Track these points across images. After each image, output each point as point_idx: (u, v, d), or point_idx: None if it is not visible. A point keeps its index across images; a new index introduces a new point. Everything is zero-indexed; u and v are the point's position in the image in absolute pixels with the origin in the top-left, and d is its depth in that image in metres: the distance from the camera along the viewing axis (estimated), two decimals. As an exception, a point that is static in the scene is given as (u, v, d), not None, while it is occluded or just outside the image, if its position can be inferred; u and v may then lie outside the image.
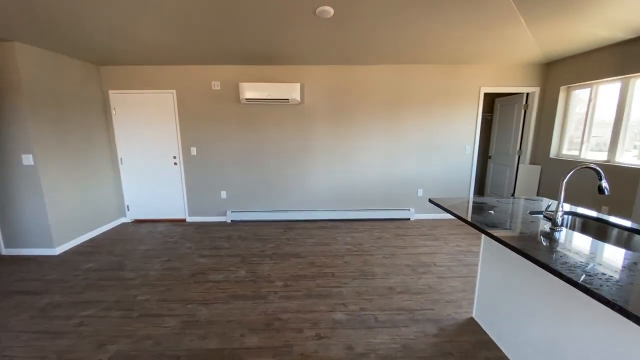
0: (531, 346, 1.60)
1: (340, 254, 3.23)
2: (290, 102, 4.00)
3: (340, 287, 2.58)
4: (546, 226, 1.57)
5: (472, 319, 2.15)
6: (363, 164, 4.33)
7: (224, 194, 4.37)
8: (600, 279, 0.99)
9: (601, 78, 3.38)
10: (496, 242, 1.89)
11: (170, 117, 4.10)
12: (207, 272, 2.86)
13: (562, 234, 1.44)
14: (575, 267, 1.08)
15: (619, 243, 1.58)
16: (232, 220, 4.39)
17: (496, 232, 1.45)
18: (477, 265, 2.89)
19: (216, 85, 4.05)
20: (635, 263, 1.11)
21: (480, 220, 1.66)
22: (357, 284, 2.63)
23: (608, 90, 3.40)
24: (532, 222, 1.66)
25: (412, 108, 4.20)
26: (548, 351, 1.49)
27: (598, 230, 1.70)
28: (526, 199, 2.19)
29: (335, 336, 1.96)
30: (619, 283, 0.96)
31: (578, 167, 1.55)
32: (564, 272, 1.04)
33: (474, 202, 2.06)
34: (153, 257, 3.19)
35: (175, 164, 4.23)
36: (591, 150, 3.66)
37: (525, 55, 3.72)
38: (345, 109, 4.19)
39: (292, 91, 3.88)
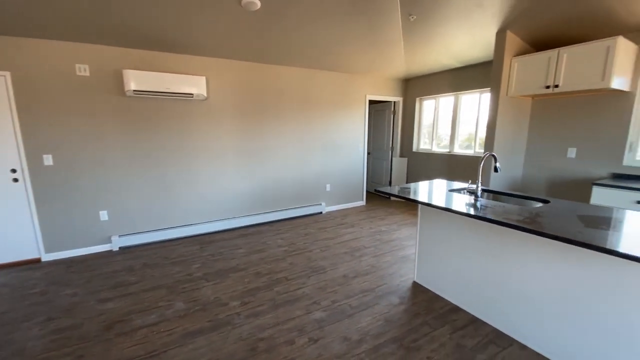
0: (465, 288, 2.17)
1: (281, 257, 3.15)
2: (195, 98, 3.48)
3: (300, 287, 2.55)
4: (470, 197, 2.17)
5: (415, 282, 2.64)
6: (276, 164, 4.31)
7: (103, 215, 3.30)
8: (512, 219, 1.53)
9: (442, 93, 4.78)
10: (431, 215, 2.42)
11: (1, 111, 2.71)
12: (129, 318, 2.15)
13: (482, 201, 2.05)
14: (497, 215, 1.60)
15: (513, 203, 2.38)
16: (120, 248, 3.38)
17: (439, 205, 1.90)
18: (393, 240, 3.52)
19: (83, 70, 2.99)
20: (530, 212, 1.76)
21: (419, 199, 2.10)
22: (314, 280, 2.67)
23: (447, 102, 4.84)
24: (456, 195, 2.24)
25: (318, 110, 4.53)
26: (478, 287, 2.08)
27: (495, 197, 2.45)
28: (437, 182, 2.87)
29: (327, 334, 1.97)
30: (523, 219, 1.52)
31: (487, 154, 2.20)
32: (495, 218, 1.53)
33: (404, 188, 2.53)
34: (19, 322, 2.07)
35: (16, 180, 2.83)
36: (437, 145, 5.10)
37: (396, 72, 4.75)
38: (258, 108, 4.03)
39: (197, 85, 3.39)
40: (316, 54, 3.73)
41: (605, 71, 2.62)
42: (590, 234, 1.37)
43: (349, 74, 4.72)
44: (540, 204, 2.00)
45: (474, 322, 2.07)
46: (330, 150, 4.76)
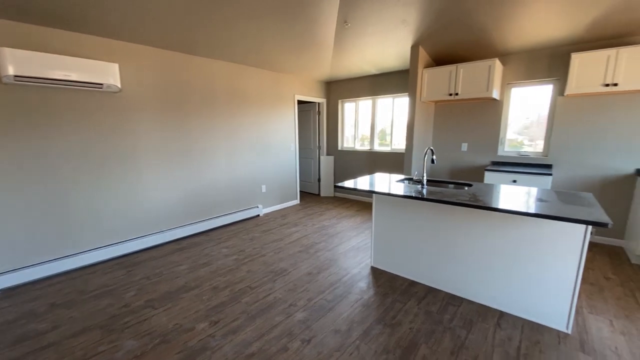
0: (417, 264, 2.54)
1: (234, 267, 2.91)
2: (105, 90, 2.83)
3: (270, 293, 2.44)
4: (417, 185, 2.54)
5: (373, 267, 2.90)
6: (207, 167, 3.91)
7: (-35, 250, 2.32)
8: (461, 199, 1.95)
9: (361, 96, 5.29)
10: (384, 204, 2.70)
11: None
12: (61, 377, 1.62)
13: (427, 188, 2.44)
14: (447, 197, 2.00)
15: (454, 188, 2.86)
16: (1, 290, 2.45)
17: (391, 191, 2.21)
18: (339, 233, 3.73)
19: None
20: (466, 193, 2.22)
21: (374, 190, 2.38)
22: (280, 284, 2.59)
23: (365, 104, 5.38)
24: (404, 185, 2.59)
25: (250, 108, 4.33)
26: (428, 261, 2.47)
27: (436, 184, 2.90)
28: (378, 175, 3.20)
29: (316, 332, 1.97)
30: (468, 198, 1.96)
31: (428, 148, 2.61)
32: (441, 199, 1.92)
33: (356, 182, 2.76)
34: None
35: None
36: (359, 144, 5.63)
37: (321, 74, 5.00)
38: (185, 105, 3.56)
39: (108, 74, 2.77)
40: (248, 50, 3.57)
41: (488, 84, 3.47)
42: (508, 205, 1.85)
43: (280, 74, 4.70)
44: (467, 187, 2.52)
45: (431, 291, 2.44)
46: (263, 150, 4.63)
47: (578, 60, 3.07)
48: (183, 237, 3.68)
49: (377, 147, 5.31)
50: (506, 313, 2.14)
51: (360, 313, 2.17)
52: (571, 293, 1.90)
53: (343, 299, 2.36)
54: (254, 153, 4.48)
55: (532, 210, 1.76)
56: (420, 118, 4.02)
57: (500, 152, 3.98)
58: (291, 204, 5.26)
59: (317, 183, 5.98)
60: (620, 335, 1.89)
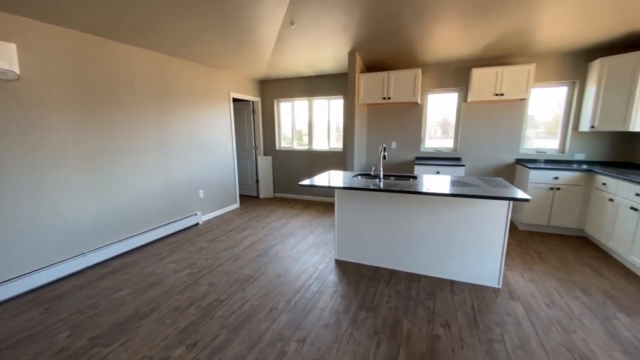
0: (378, 250, 2.81)
1: (191, 282, 2.61)
2: (-6, 76, 2.14)
3: (244, 302, 2.30)
4: (375, 180, 2.80)
5: (337, 260, 3.03)
6: (136, 173, 3.35)
7: None
8: (406, 188, 2.32)
9: (297, 97, 5.37)
10: (345, 200, 2.87)
11: None
12: None
13: (385, 181, 2.74)
14: (405, 187, 2.34)
15: (403, 180, 3.19)
16: None
17: (356, 185, 2.44)
18: (292, 233, 3.76)
19: None
20: (416, 183, 2.60)
21: (336, 185, 2.57)
22: (252, 291, 2.47)
23: (302, 105, 5.48)
24: (363, 180, 2.83)
25: (181, 106, 3.88)
26: (387, 246, 2.76)
27: (386, 177, 3.19)
28: (333, 172, 3.36)
29: (308, 330, 1.98)
30: (413, 187, 2.34)
31: (383, 145, 2.88)
32: (399, 189, 2.26)
33: (315, 180, 2.86)
34: None
35: None
36: (297, 143, 5.70)
37: (256, 72, 4.87)
38: (104, 99, 2.96)
39: (1, 55, 2.10)
40: (180, 40, 3.24)
41: (414, 90, 4.04)
42: (451, 190, 2.26)
43: (214, 69, 4.36)
44: (412, 179, 2.91)
45: (394, 273, 2.73)
46: (199, 151, 4.22)
47: (477, 74, 3.87)
48: (111, 258, 3.06)
49: (316, 147, 5.49)
50: (456, 281, 2.57)
51: (341, 304, 2.27)
52: (500, 257, 2.43)
53: (321, 294, 2.41)
54: (188, 155, 4.05)
55: (469, 193, 2.18)
56: (357, 119, 4.36)
57: (422, 149, 4.67)
58: (231, 209, 4.96)
59: (256, 185, 5.79)
60: (530, 283, 2.52)
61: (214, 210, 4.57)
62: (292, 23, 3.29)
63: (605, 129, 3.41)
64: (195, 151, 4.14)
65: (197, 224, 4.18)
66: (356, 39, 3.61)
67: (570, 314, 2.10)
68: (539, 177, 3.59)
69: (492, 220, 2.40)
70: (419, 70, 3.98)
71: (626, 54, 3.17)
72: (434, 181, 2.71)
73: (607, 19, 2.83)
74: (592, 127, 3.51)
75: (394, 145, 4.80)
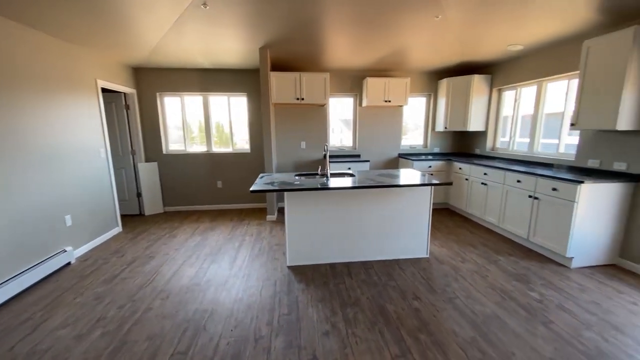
0: (330, 247, 2.90)
1: (117, 344, 1.85)
2: None
3: (216, 344, 1.85)
4: (322, 178, 2.87)
5: (290, 266, 2.87)
6: (-48, 201, 2.01)
7: None
8: (365, 184, 2.64)
9: (189, 91, 4.60)
10: (296, 203, 2.78)
11: None
12: None
13: (331, 179, 2.86)
14: (355, 183, 2.62)
15: (344, 177, 3.28)
16: None
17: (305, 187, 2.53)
18: (221, 249, 3.33)
19: None
20: (359, 179, 2.88)
21: (288, 187, 2.56)
22: (217, 327, 2.01)
23: (195, 101, 4.72)
24: (312, 180, 2.85)
25: (27, 96, 2.59)
26: (338, 241, 2.90)
27: (336, 175, 3.24)
28: (276, 173, 3.15)
29: (310, 343, 1.82)
30: (360, 182, 2.67)
31: (326, 144, 2.93)
32: (346, 185, 2.54)
33: (268, 182, 2.65)
34: None
35: None
36: (192, 145, 4.89)
37: (135, 57, 3.83)
38: None
39: None
40: None
41: (325, 92, 4.30)
42: (384, 181, 2.67)
43: (73, 46, 3.10)
44: (352, 176, 3.14)
45: (349, 265, 2.86)
46: (59, 161, 2.94)
47: (371, 82, 4.54)
48: None
49: (217, 149, 4.89)
50: (399, 259, 2.98)
51: (323, 307, 2.20)
52: (427, 233, 3.00)
53: (297, 304, 2.25)
54: (43, 167, 2.76)
55: (400, 183, 2.62)
56: (270, 119, 4.21)
57: (329, 147, 5.03)
58: (113, 234, 3.73)
59: (137, 199, 4.57)
60: (442, 248, 3.25)
61: (90, 241, 3.32)
62: (205, 5, 2.82)
63: (453, 129, 4.77)
64: (53, 161, 2.86)
65: (69, 263, 2.92)
66: (270, 37, 3.46)
67: (477, 264, 2.87)
68: (420, 167, 4.62)
69: (420, 203, 2.93)
70: (328, 75, 4.26)
71: (463, 76, 4.54)
72: (370, 175, 3.03)
73: (450, 52, 3.92)
74: (445, 128, 4.83)
75: (303, 145, 4.93)
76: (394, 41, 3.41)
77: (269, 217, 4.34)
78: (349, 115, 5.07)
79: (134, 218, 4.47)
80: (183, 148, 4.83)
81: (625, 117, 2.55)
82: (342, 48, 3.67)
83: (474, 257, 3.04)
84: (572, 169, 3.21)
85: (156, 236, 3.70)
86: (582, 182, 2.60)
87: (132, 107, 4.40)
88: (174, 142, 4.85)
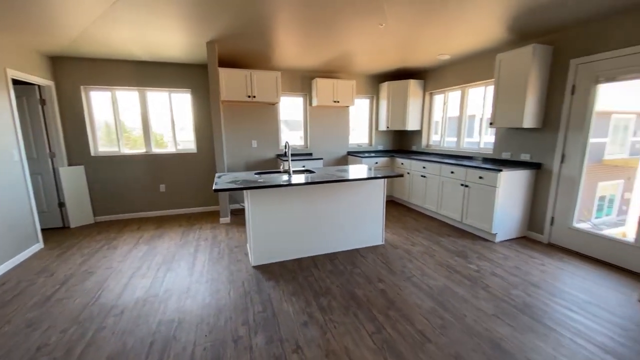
0: (294, 243, 2.96)
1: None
2: None
3: (192, 351, 1.75)
4: (286, 175, 2.91)
5: (255, 266, 2.82)
6: None
7: None
8: (328, 179, 2.81)
9: (121, 85, 4.12)
10: (259, 201, 2.76)
11: None
12: None
13: (295, 175, 2.93)
14: (317, 178, 2.77)
15: (305, 174, 3.31)
16: None
17: (268, 184, 2.61)
18: (174, 258, 3.13)
19: None
20: (319, 176, 3.02)
21: (252, 184, 2.60)
22: (189, 335, 1.89)
23: (130, 96, 4.24)
24: (275, 176, 2.88)
25: None
26: (301, 236, 2.98)
27: (284, 173, 3.25)
28: (236, 172, 3.05)
29: (290, 335, 1.86)
30: (313, 179, 2.86)
31: (285, 144, 2.96)
32: (312, 180, 2.72)
33: (230, 181, 2.60)
34: None
35: None
36: (127, 146, 4.38)
37: (54, 43, 3.29)
38: None
39: None
40: None
41: (277, 91, 4.31)
42: (344, 177, 2.88)
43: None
44: (312, 172, 3.24)
45: (315, 258, 2.95)
46: (-44, 166, 2.37)
47: (320, 83, 4.71)
48: None
49: (158, 149, 4.47)
50: (359, 248, 3.19)
51: (297, 300, 2.25)
52: (382, 223, 3.27)
53: (270, 301, 2.25)
54: None
55: (360, 177, 2.84)
56: (219, 117, 4.05)
57: (280, 147, 5.04)
58: (33, 252, 3.14)
59: (60, 210, 3.90)
60: (394, 235, 3.57)
61: (5, 261, 2.74)
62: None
63: (394, 128, 5.24)
64: (-53, 165, 2.30)
65: (-23, 291, 2.38)
66: (218, 31, 3.33)
67: (424, 246, 3.25)
68: (368, 163, 4.96)
69: (376, 195, 3.19)
70: (279, 73, 4.28)
71: (401, 80, 5.03)
72: (329, 172, 3.17)
73: (390, 59, 4.33)
74: (387, 127, 5.28)
75: (254, 144, 4.84)
76: (342, 45, 3.61)
77: (223, 220, 4.16)
78: (299, 115, 5.16)
79: (57, 232, 3.81)
80: (117, 149, 4.30)
81: (528, 117, 3.18)
82: (293, 48, 3.73)
83: (421, 240, 3.43)
84: (491, 160, 3.86)
85: (91, 249, 3.24)
86: (500, 170, 3.16)
87: (50, 102, 3.75)
88: (105, 142, 4.28)
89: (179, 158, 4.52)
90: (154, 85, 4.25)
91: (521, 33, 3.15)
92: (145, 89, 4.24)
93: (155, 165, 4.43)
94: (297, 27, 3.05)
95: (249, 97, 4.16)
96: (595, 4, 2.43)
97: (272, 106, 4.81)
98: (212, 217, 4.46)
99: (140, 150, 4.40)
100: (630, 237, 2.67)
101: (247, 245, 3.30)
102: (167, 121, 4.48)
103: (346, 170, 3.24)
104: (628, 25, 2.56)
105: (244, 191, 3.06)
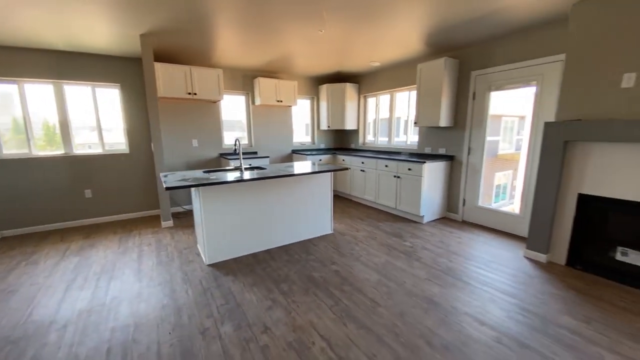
0: (249, 238, 3.04)
1: None
2: None
3: (158, 349, 1.73)
4: (238, 172, 2.98)
5: (210, 265, 2.80)
6: None
7: None
8: (278, 174, 3.02)
9: (34, 77, 3.56)
10: (212, 199, 2.76)
11: None
12: None
13: (247, 172, 3.03)
14: (267, 174, 2.97)
15: (256, 170, 3.34)
16: None
17: (210, 180, 2.74)
18: (115, 268, 2.95)
19: None
20: (270, 172, 3.18)
21: (204, 182, 2.68)
22: (149, 337, 1.85)
23: (43, 90, 3.68)
24: (229, 174, 2.93)
25: None
26: (256, 231, 3.09)
27: (236, 170, 3.26)
28: (183, 171, 2.96)
29: (262, 321, 1.98)
30: (266, 174, 3.07)
31: (235, 141, 3.00)
32: (262, 176, 2.92)
33: (179, 179, 2.56)
34: None
35: None
36: (37, 146, 3.78)
37: (-61, 23, 2.72)
38: None
39: None
40: None
41: (219, 89, 4.25)
42: (296, 172, 3.12)
43: None
44: (263, 168, 3.35)
45: (269, 251, 3.07)
46: None
47: (262, 82, 4.80)
48: None
49: (81, 150, 3.98)
50: (311, 238, 3.41)
51: (258, 290, 2.36)
52: (330, 213, 3.56)
53: (231, 293, 2.31)
54: None
55: (306, 171, 3.10)
56: (159, 115, 3.83)
57: (223, 145, 4.95)
58: None
59: (-53, 225, 3.18)
60: (341, 224, 3.90)
61: None
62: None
63: (334, 127, 5.63)
64: None
65: None
66: (155, 24, 3.18)
67: (367, 231, 3.65)
68: (312, 160, 5.23)
69: (324, 189, 3.46)
70: (221, 71, 4.23)
71: (339, 83, 5.43)
72: (280, 168, 3.33)
73: (329, 63, 4.69)
74: (329, 127, 5.64)
75: (195, 143, 4.66)
76: (283, 47, 3.77)
77: (165, 224, 3.94)
78: (241, 113, 5.15)
79: (-56, 252, 3.11)
80: (27, 151, 3.69)
81: (443, 117, 3.84)
82: (234, 47, 3.74)
83: (364, 226, 3.83)
84: (416, 154, 4.50)
85: (5, 267, 2.77)
86: (424, 162, 3.75)
87: None
88: (13, 144, 3.63)
89: (108, 159, 4.10)
90: (73, 78, 3.77)
91: (436, 47, 3.79)
92: (62, 82, 3.74)
93: (78, 169, 3.94)
94: (239, 27, 3.11)
95: (190, 94, 4.03)
96: (485, 30, 3.12)
97: (213, 104, 4.71)
98: (152, 221, 4.17)
99: (58, 151, 3.86)
100: (517, 211, 3.49)
101: (198, 245, 3.24)
102: (92, 119, 4.02)
103: (295, 166, 3.43)
104: (507, 48, 3.33)
105: (193, 191, 3.00)
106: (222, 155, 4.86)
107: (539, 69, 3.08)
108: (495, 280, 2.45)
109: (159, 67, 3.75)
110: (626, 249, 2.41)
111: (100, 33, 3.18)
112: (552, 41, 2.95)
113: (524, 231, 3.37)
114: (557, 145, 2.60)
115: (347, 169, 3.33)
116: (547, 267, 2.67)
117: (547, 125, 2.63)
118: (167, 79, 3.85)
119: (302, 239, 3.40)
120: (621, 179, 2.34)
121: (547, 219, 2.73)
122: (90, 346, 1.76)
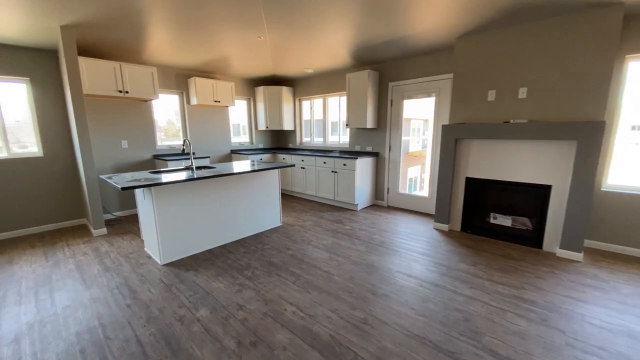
0: (204, 235, 3.15)
1: None
2: None
3: (135, 341, 1.82)
4: (189, 171, 3.07)
5: (166, 264, 2.82)
6: None
7: None
8: (225, 173, 3.28)
9: None
10: (164, 199, 2.80)
11: None
12: None
13: (198, 171, 3.14)
14: (215, 172, 3.20)
15: (206, 169, 3.36)
16: None
17: (172, 179, 2.90)
18: (60, 279, 2.77)
19: None
20: (220, 170, 3.37)
21: (152, 182, 2.80)
22: (120, 332, 1.90)
23: None
24: (180, 174, 3.00)
25: None
26: (210, 228, 3.22)
27: (188, 169, 3.27)
28: (125, 173, 2.87)
29: (229, 303, 2.20)
30: (220, 172, 3.33)
31: (185, 139, 3.06)
32: (217, 174, 3.18)
33: (129, 181, 2.56)
34: None
35: None
36: None
37: None
38: None
39: None
40: None
41: (154, 87, 4.10)
42: (246, 170, 3.41)
43: None
44: (213, 167, 3.45)
45: (225, 246, 3.22)
46: None
47: (198, 82, 4.78)
48: None
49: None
50: (264, 231, 3.67)
51: (223, 279, 2.55)
52: (279, 207, 3.87)
53: (197, 285, 2.45)
54: None
55: (255, 169, 3.41)
56: (86, 114, 3.52)
57: (157, 147, 4.73)
58: None
59: None
60: (291, 217, 4.25)
61: None
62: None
63: (273, 128, 5.91)
64: None
65: None
66: (78, 15, 2.97)
67: (313, 220, 4.09)
68: (253, 159, 5.42)
69: (272, 184, 3.76)
70: (155, 69, 4.08)
71: (275, 86, 5.73)
72: (229, 167, 3.49)
73: (266, 67, 4.98)
74: (267, 127, 5.89)
75: (124, 144, 4.35)
76: (221, 50, 3.88)
77: (98, 232, 3.63)
78: (175, 113, 5.00)
79: None
80: None
81: (369, 120, 4.55)
82: (167, 45, 3.65)
83: (309, 217, 4.26)
84: (348, 152, 5.15)
85: None
86: (357, 158, 4.39)
87: None
88: None
89: (14, 165, 3.54)
90: (-39, 68, 3.17)
91: (361, 60, 4.46)
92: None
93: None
94: (175, 28, 3.10)
95: (121, 92, 3.79)
96: (399, 50, 3.89)
97: (144, 103, 4.47)
98: (78, 231, 3.77)
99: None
100: (427, 194, 4.42)
101: (146, 249, 3.16)
102: (-12, 117, 3.41)
103: (245, 165, 3.63)
104: (416, 65, 4.20)
105: (141, 192, 2.94)
106: (156, 156, 4.65)
107: (437, 84, 4.01)
108: (415, 247, 3.18)
109: (83, 61, 3.45)
110: (496, 214, 3.42)
111: (9, 22, 2.81)
112: (446, 63, 3.89)
113: (432, 209, 4.31)
114: (450, 142, 3.48)
115: (293, 165, 3.69)
116: (449, 234, 3.56)
117: (443, 127, 3.50)
118: (93, 75, 3.56)
119: (255, 232, 3.63)
120: (489, 165, 3.32)
121: (446, 198, 3.62)
122: (59, 350, 1.73)
